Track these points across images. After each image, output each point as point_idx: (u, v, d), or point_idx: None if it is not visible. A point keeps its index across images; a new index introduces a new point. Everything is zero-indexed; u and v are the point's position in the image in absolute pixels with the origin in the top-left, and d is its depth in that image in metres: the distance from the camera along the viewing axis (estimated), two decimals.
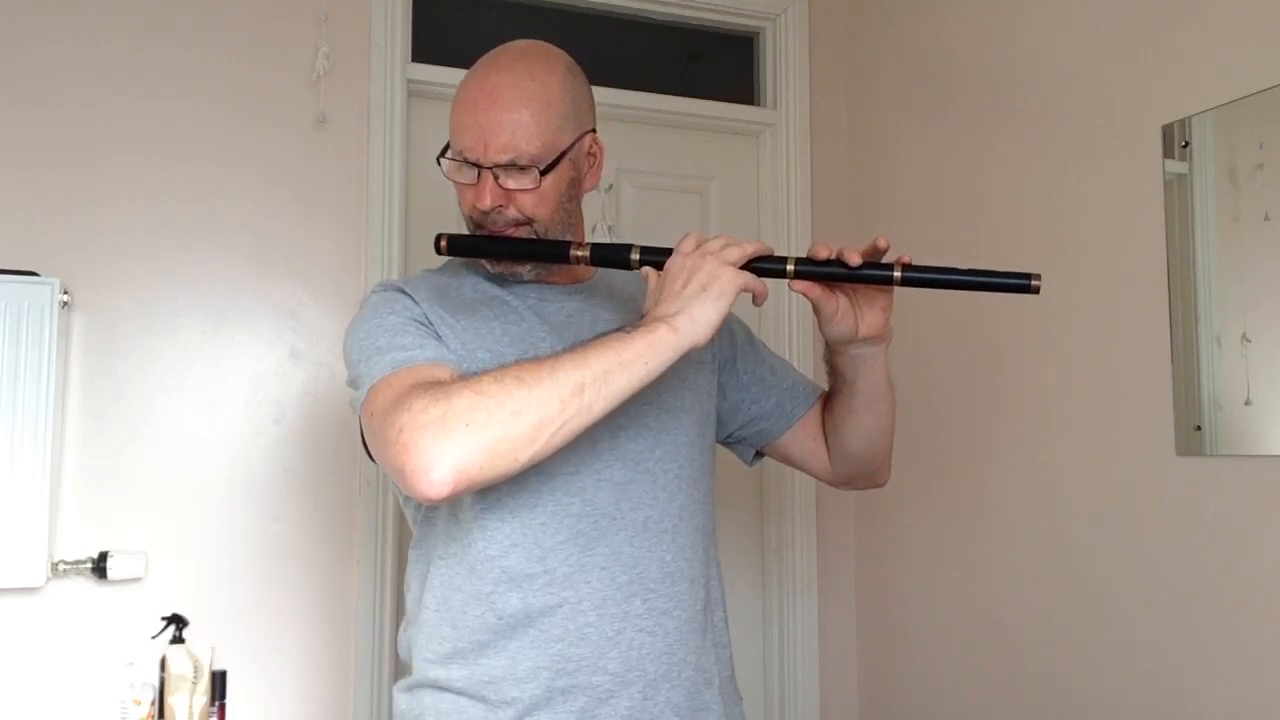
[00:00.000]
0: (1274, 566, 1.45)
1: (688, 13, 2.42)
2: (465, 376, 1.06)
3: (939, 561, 2.11)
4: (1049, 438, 1.83)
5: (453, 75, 2.16)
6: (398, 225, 2.08)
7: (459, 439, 0.98)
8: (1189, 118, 1.59)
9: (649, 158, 2.35)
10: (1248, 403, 1.49)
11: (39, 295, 1.74)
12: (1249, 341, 1.50)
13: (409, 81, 2.14)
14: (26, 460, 1.72)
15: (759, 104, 2.49)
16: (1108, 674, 1.70)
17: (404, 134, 2.11)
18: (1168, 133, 1.62)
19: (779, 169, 2.43)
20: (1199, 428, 1.56)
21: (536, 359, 1.05)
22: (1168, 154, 1.62)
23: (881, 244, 1.12)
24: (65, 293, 1.80)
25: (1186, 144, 1.60)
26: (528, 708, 1.13)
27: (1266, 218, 1.48)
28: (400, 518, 2.04)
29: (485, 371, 1.04)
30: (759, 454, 1.43)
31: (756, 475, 2.31)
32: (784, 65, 2.45)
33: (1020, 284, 1.12)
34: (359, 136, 2.07)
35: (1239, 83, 1.51)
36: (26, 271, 1.79)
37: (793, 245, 2.38)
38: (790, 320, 2.38)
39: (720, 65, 2.54)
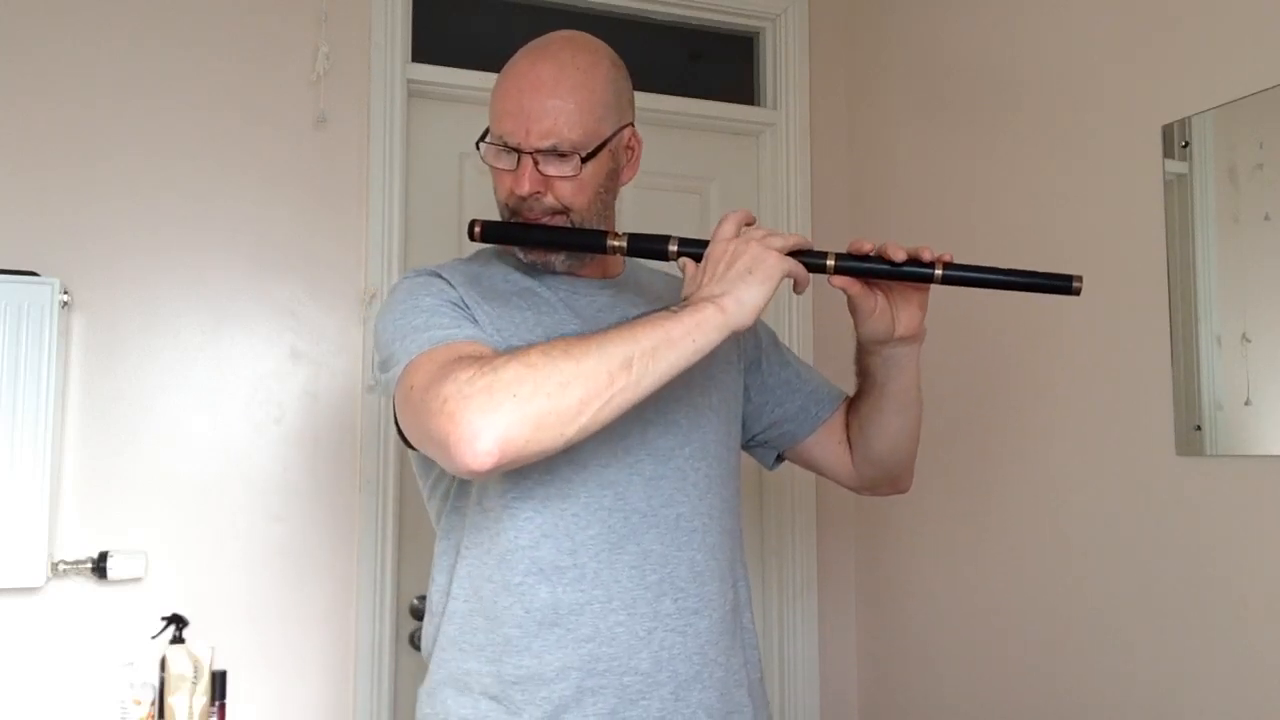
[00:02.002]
0: (1274, 566, 1.45)
1: (688, 13, 2.42)
2: (510, 350, 1.04)
3: (938, 561, 2.11)
4: (1049, 437, 1.83)
5: (453, 75, 2.18)
6: (398, 225, 2.08)
7: (506, 410, 0.96)
8: (1189, 118, 1.59)
9: (649, 158, 2.30)
10: (1248, 403, 1.49)
11: (39, 295, 1.74)
12: (1249, 341, 1.49)
13: (409, 81, 2.14)
14: (26, 460, 1.72)
15: (759, 104, 2.49)
16: (1107, 673, 1.70)
17: (404, 134, 2.11)
18: (1168, 133, 1.62)
19: (779, 169, 2.43)
20: (1199, 428, 1.56)
21: (583, 334, 1.04)
22: (1168, 154, 1.62)
23: (925, 256, 1.12)
24: (65, 293, 1.80)
25: (1186, 144, 1.60)
26: (557, 708, 1.11)
27: (1266, 218, 1.48)
28: (401, 516, 2.04)
29: (532, 345, 1.03)
30: (780, 458, 1.43)
31: (757, 476, 2.31)
32: (784, 65, 2.45)
33: (1061, 285, 1.12)
34: (359, 136, 2.07)
35: (1239, 83, 1.51)
36: (26, 271, 1.79)
37: None
38: (791, 329, 2.38)
39: (720, 65, 2.54)
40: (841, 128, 2.47)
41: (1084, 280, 1.14)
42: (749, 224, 1.13)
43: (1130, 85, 1.70)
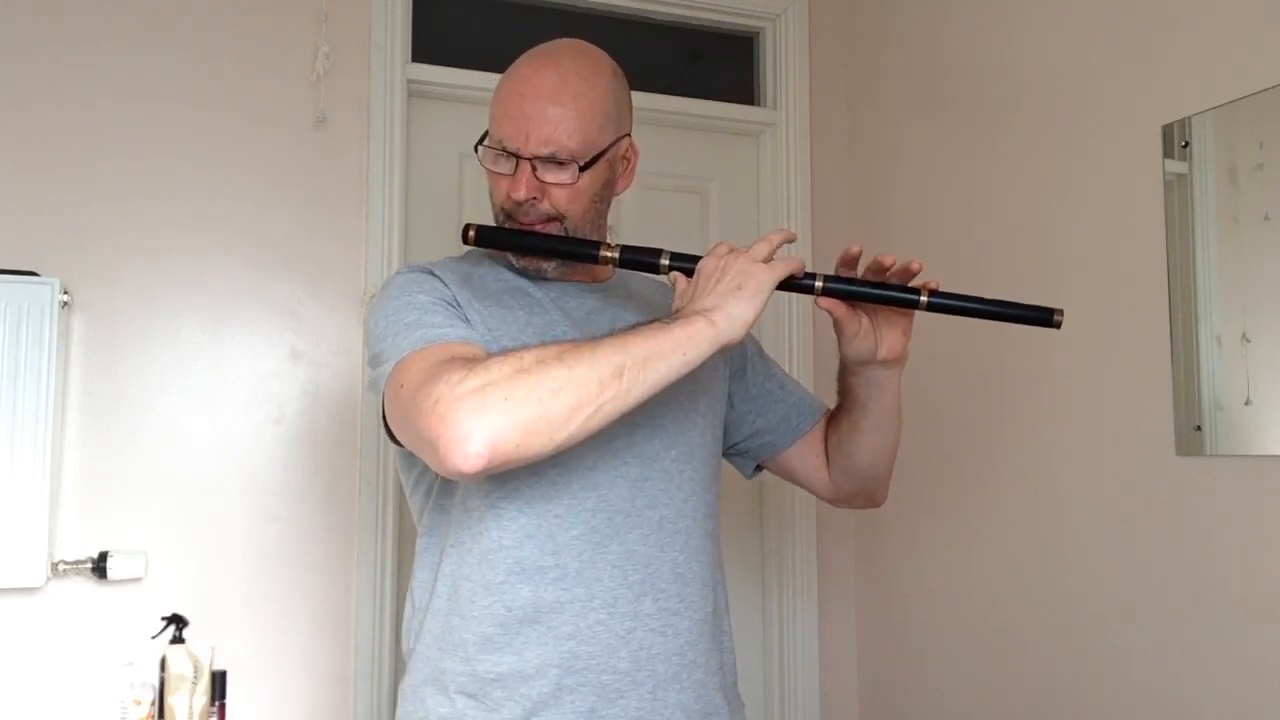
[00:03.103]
0: (1274, 566, 1.45)
1: (688, 13, 2.42)
2: (503, 353, 1.04)
3: (938, 563, 2.11)
4: (1048, 438, 1.83)
5: (453, 75, 2.18)
6: (398, 225, 2.08)
7: (497, 413, 0.96)
8: (1189, 118, 1.59)
9: (649, 158, 2.31)
10: (1248, 403, 1.49)
11: (39, 295, 1.74)
12: (1249, 341, 1.49)
13: (409, 81, 2.14)
14: (26, 460, 1.72)
15: (759, 104, 2.49)
16: (1107, 673, 1.70)
17: (404, 134, 2.11)
18: (1168, 133, 1.62)
19: (779, 169, 2.43)
20: (1199, 428, 1.56)
21: (576, 341, 1.04)
22: (1168, 154, 1.62)
23: (914, 267, 1.14)
24: (65, 293, 1.80)
25: (1186, 144, 1.60)
26: (535, 705, 1.12)
27: (1266, 218, 1.48)
28: (401, 517, 2.04)
29: (525, 349, 1.03)
30: (759, 467, 1.44)
31: (757, 478, 2.31)
32: (784, 65, 2.45)
33: (1043, 318, 1.14)
34: (359, 136, 2.07)
35: (1239, 83, 1.51)
36: (26, 271, 1.79)
37: (793, 245, 2.38)
38: (791, 338, 2.38)
39: (720, 65, 2.54)
40: (841, 128, 2.47)
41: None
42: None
43: (1130, 85, 1.70)
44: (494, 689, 1.12)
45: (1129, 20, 1.71)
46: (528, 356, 1.00)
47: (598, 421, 1.01)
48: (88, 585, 1.84)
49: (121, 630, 1.85)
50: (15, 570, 1.72)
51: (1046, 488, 1.84)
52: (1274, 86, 1.46)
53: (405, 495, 2.00)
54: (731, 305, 1.06)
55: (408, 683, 1.21)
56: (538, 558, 1.13)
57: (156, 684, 1.78)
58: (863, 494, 1.38)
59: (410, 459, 1.22)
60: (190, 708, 1.77)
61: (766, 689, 2.35)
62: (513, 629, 1.13)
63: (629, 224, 2.30)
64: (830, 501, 1.42)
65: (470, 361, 1.02)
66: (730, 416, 1.37)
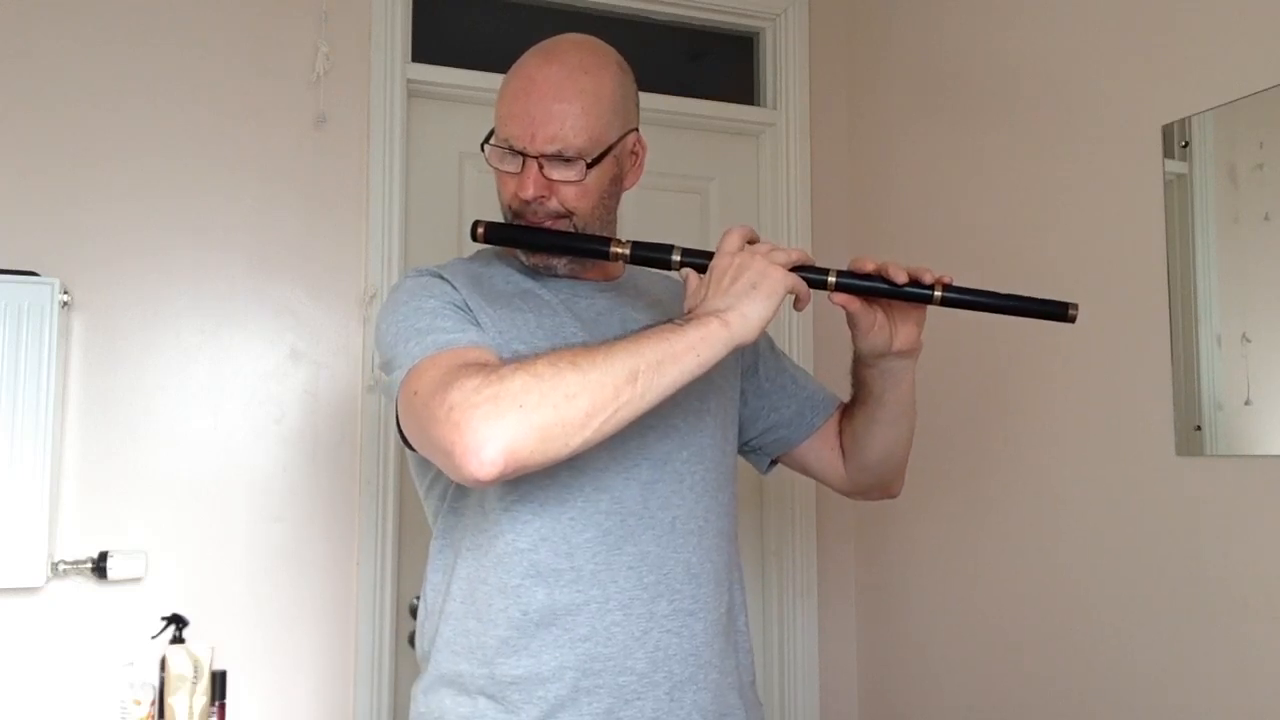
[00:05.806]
0: (1274, 566, 1.45)
1: (688, 13, 2.42)
2: (516, 359, 1.04)
3: (939, 563, 2.11)
4: (1049, 438, 1.83)
5: (453, 75, 2.18)
6: (398, 225, 2.08)
7: (512, 420, 0.96)
8: (1189, 118, 1.59)
9: (649, 158, 2.34)
10: (1248, 403, 1.49)
11: (39, 295, 1.74)
12: (1249, 341, 1.49)
13: (409, 81, 2.14)
14: (26, 460, 1.72)
15: (759, 104, 2.49)
16: (1107, 674, 1.70)
17: (404, 134, 2.11)
18: (1168, 133, 1.62)
19: (779, 169, 2.43)
20: (1199, 428, 1.56)
21: (588, 345, 1.04)
22: (1168, 154, 1.62)
23: (926, 278, 1.14)
24: (65, 293, 1.80)
25: (1186, 144, 1.60)
26: (553, 707, 1.12)
27: (1266, 218, 1.48)
28: (401, 517, 2.04)
29: (538, 355, 1.02)
30: (774, 462, 1.43)
31: (757, 477, 2.30)
32: (784, 65, 2.45)
33: (1057, 312, 1.14)
34: (359, 136, 2.07)
35: (1239, 83, 1.51)
36: (26, 271, 1.79)
37: (793, 245, 2.38)
38: (791, 333, 2.38)
39: (720, 65, 2.54)
40: (841, 128, 2.47)
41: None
42: (751, 241, 1.13)
43: (1130, 85, 1.70)
44: (512, 691, 1.12)
45: (1129, 20, 1.71)
46: (541, 362, 1.00)
47: (613, 426, 1.00)
48: (88, 585, 1.84)
49: (121, 630, 1.85)
50: (15, 570, 1.72)
51: (1046, 488, 1.84)
52: (1274, 86, 1.46)
53: (406, 496, 2.02)
54: (745, 305, 1.05)
55: (422, 683, 1.22)
56: (552, 560, 1.13)
57: (156, 684, 1.78)
58: (879, 485, 1.38)
59: (424, 464, 1.21)
60: (190, 708, 1.77)
61: (767, 689, 2.34)
62: (529, 632, 1.12)
63: (629, 223, 2.27)
64: (846, 494, 1.42)
65: (483, 368, 1.01)
66: (744, 413, 1.36)
